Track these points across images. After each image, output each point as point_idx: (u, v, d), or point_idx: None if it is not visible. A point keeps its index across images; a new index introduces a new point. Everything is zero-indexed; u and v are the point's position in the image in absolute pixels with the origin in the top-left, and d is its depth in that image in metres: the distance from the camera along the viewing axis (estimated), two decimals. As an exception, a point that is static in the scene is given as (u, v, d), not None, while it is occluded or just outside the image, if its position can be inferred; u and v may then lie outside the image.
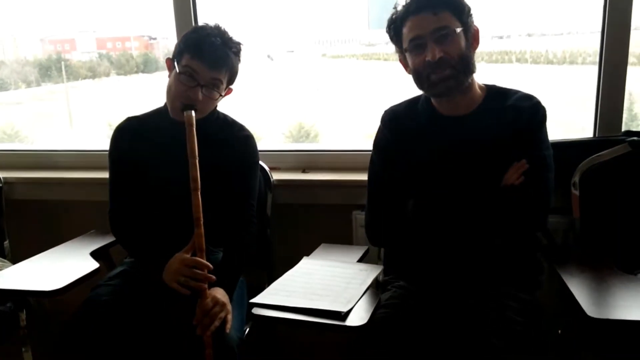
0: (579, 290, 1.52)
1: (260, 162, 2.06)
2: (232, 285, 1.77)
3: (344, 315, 1.46)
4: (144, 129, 1.94)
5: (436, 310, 1.61)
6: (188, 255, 1.71)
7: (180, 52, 1.82)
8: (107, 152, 1.98)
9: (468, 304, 1.58)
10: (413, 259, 1.77)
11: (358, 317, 1.46)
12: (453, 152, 1.67)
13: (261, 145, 2.02)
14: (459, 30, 1.62)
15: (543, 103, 1.68)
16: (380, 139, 1.83)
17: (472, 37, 1.67)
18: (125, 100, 4.18)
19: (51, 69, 3.95)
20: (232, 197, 1.89)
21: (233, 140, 1.94)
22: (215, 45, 1.79)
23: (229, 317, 1.67)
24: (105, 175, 2.03)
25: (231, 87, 1.92)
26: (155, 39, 4.15)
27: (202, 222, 1.70)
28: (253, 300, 1.55)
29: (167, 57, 1.90)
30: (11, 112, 3.82)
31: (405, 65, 1.74)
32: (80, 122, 4.16)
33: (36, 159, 2.76)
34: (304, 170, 2.45)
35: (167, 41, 3.91)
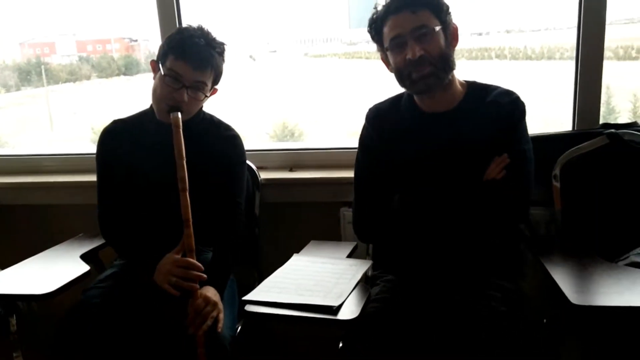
0: (563, 279, 1.55)
1: (248, 162, 2.07)
2: (222, 284, 1.79)
3: (335, 310, 1.47)
4: (131, 131, 1.94)
5: (425, 304, 1.64)
6: (179, 256, 1.72)
7: (164, 53, 1.82)
8: (93, 156, 1.97)
9: (454, 298, 1.62)
10: (400, 253, 1.80)
11: (349, 311, 1.48)
12: (436, 148, 1.70)
13: (247, 145, 2.02)
14: (438, 28, 1.65)
15: (522, 98, 1.71)
16: (365, 137, 1.85)
17: (451, 35, 1.69)
18: (107, 103, 4.16)
19: (31, 73, 3.93)
20: (220, 196, 1.89)
21: (220, 140, 1.95)
22: (199, 46, 1.80)
23: (221, 316, 1.68)
24: (91, 178, 2.03)
25: (216, 87, 1.93)
26: (136, 40, 4.14)
27: (191, 223, 1.71)
28: (245, 298, 1.56)
29: (151, 59, 1.90)
30: (-9, 118, 3.80)
31: (387, 64, 1.76)
32: (61, 125, 4.14)
33: (22, 163, 2.74)
34: (291, 169, 2.46)
35: (148, 43, 3.90)
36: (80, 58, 4.12)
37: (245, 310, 1.54)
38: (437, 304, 1.62)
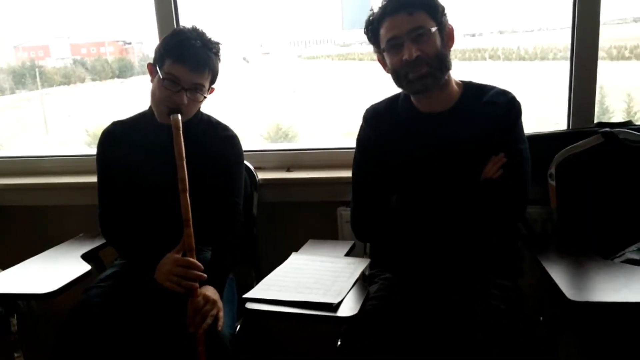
0: (559, 276, 1.57)
1: (246, 162, 2.08)
2: (222, 283, 1.80)
3: (335, 307, 1.48)
4: (130, 133, 1.95)
5: (423, 303, 1.65)
6: (179, 256, 1.74)
7: (161, 56, 1.83)
8: (91, 157, 1.99)
9: (452, 297, 1.63)
10: (398, 252, 1.81)
11: (349, 308, 1.49)
12: (433, 148, 1.72)
13: (243, 146, 2.04)
14: (434, 29, 1.66)
15: (517, 98, 1.73)
16: (363, 137, 1.86)
17: (447, 35, 1.71)
18: (101, 105, 4.15)
19: (25, 76, 3.92)
20: (218, 196, 1.90)
21: (218, 140, 1.96)
22: (195, 48, 1.81)
23: (221, 314, 1.69)
24: (90, 179, 2.03)
25: (213, 86, 1.94)
26: (130, 43, 4.13)
27: (190, 223, 1.73)
28: (246, 295, 1.57)
29: (147, 62, 1.91)
30: (-15, 121, 3.79)
31: (384, 65, 1.78)
32: (56, 128, 4.13)
33: (21, 165, 2.75)
34: (288, 169, 2.48)
35: (142, 46, 3.91)
36: (75, 61, 4.11)
37: (246, 308, 1.55)
38: (435, 302, 1.64)
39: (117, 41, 4.09)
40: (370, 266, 1.87)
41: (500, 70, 3.57)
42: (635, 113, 2.99)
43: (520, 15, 3.25)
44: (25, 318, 2.04)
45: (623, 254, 1.74)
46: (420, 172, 1.73)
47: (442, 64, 1.68)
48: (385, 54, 1.73)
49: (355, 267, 1.74)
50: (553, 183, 1.96)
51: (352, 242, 2.02)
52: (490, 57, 3.56)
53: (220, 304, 1.71)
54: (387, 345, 1.55)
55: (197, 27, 1.88)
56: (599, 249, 1.78)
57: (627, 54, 3.05)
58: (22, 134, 4.02)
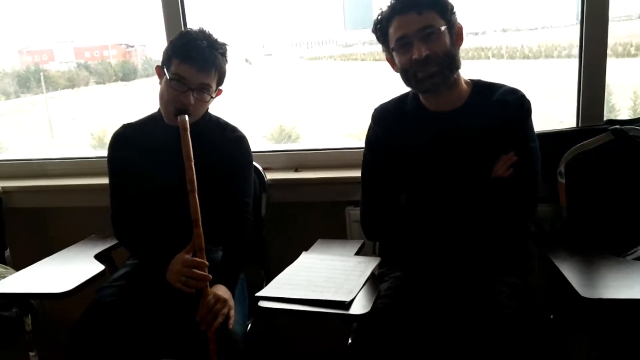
0: (571, 273, 1.56)
1: (254, 163, 2.09)
2: (233, 282, 1.81)
3: (347, 305, 1.49)
4: (140, 135, 1.97)
5: (433, 301, 1.65)
6: (188, 256, 1.74)
7: (168, 58, 1.85)
8: (98, 159, 2.00)
9: (462, 295, 1.63)
10: (408, 251, 1.81)
11: (361, 306, 1.50)
12: (442, 147, 1.72)
13: (251, 146, 2.05)
14: (443, 28, 1.66)
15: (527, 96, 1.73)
16: (371, 136, 1.87)
17: (456, 34, 1.71)
18: (105, 109, 4.16)
19: (30, 80, 3.93)
20: (228, 196, 1.91)
21: (226, 141, 1.97)
22: (202, 49, 1.82)
23: (232, 312, 1.70)
24: (98, 181, 2.04)
25: (221, 87, 1.96)
26: (133, 46, 4.14)
27: (200, 223, 1.74)
28: (259, 294, 1.58)
29: (157, 64, 1.93)
30: (-8, 125, 3.80)
31: (393, 64, 1.78)
32: (61, 132, 4.14)
33: (30, 167, 2.78)
34: (296, 170, 2.48)
35: (145, 49, 3.92)
36: (78, 65, 4.12)
37: (257, 307, 1.55)
38: (446, 301, 1.64)
39: (120, 44, 4.11)
40: (379, 265, 1.87)
41: (504, 68, 3.57)
42: (642, 111, 2.99)
43: (524, 13, 3.25)
44: (39, 318, 2.05)
45: (635, 251, 1.74)
46: (430, 171, 1.73)
47: (452, 63, 1.68)
48: (394, 53, 1.73)
49: (366, 265, 1.74)
50: (563, 181, 1.96)
51: (362, 241, 2.03)
52: (494, 56, 3.56)
53: (231, 302, 1.72)
54: (398, 344, 1.55)
55: (205, 29, 1.89)
56: (610, 247, 1.77)
57: (633, 51, 3.05)
58: (28, 137, 4.03)
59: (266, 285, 1.64)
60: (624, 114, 2.82)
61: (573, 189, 1.96)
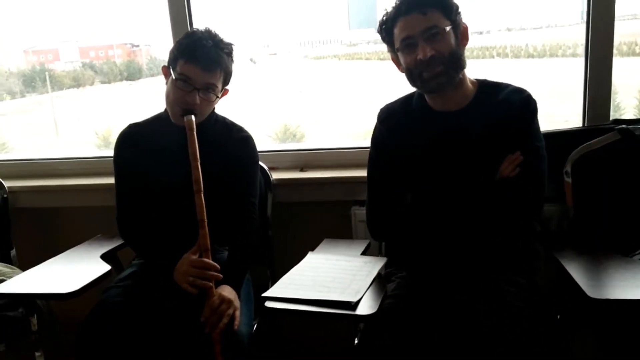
0: (578, 273, 1.56)
1: (260, 163, 2.09)
2: (239, 282, 1.81)
3: (354, 305, 1.49)
4: (146, 135, 1.97)
5: (440, 301, 1.64)
6: (195, 256, 1.75)
7: (174, 58, 1.86)
8: (104, 159, 2.00)
9: (468, 296, 1.62)
10: (414, 251, 1.81)
11: (367, 306, 1.49)
12: (448, 147, 1.72)
13: (257, 146, 2.05)
14: (448, 28, 1.66)
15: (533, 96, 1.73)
16: (377, 136, 1.87)
17: (461, 34, 1.71)
18: (110, 108, 4.17)
19: (35, 80, 3.94)
20: (234, 196, 1.92)
21: (233, 141, 1.97)
22: (207, 49, 1.83)
23: (237, 313, 1.70)
24: (103, 181, 2.04)
25: (227, 87, 1.96)
26: (137, 46, 4.15)
27: (206, 223, 1.74)
28: (265, 294, 1.57)
29: (163, 65, 1.93)
30: (-2, 124, 3.82)
31: (398, 64, 1.78)
32: (66, 131, 4.16)
33: (36, 167, 2.78)
34: (302, 169, 2.49)
35: (150, 48, 3.93)
36: (84, 64, 4.13)
37: (263, 307, 1.55)
38: (452, 301, 1.63)
39: (125, 44, 4.11)
40: (386, 265, 1.88)
41: (509, 68, 3.57)
42: (647, 110, 2.99)
43: (529, 12, 3.25)
44: (45, 318, 2.06)
45: (642, 251, 1.74)
46: (436, 170, 1.73)
47: (457, 62, 1.68)
48: (399, 54, 1.73)
49: (372, 265, 1.74)
50: (569, 180, 1.96)
51: (368, 241, 2.03)
52: (499, 55, 3.56)
53: (236, 303, 1.72)
54: (405, 344, 1.54)
55: (210, 29, 1.90)
56: (617, 246, 1.77)
57: (637, 50, 3.04)
58: (33, 136, 4.04)
59: (272, 285, 1.64)
60: (629, 113, 2.81)
61: (579, 188, 1.95)
